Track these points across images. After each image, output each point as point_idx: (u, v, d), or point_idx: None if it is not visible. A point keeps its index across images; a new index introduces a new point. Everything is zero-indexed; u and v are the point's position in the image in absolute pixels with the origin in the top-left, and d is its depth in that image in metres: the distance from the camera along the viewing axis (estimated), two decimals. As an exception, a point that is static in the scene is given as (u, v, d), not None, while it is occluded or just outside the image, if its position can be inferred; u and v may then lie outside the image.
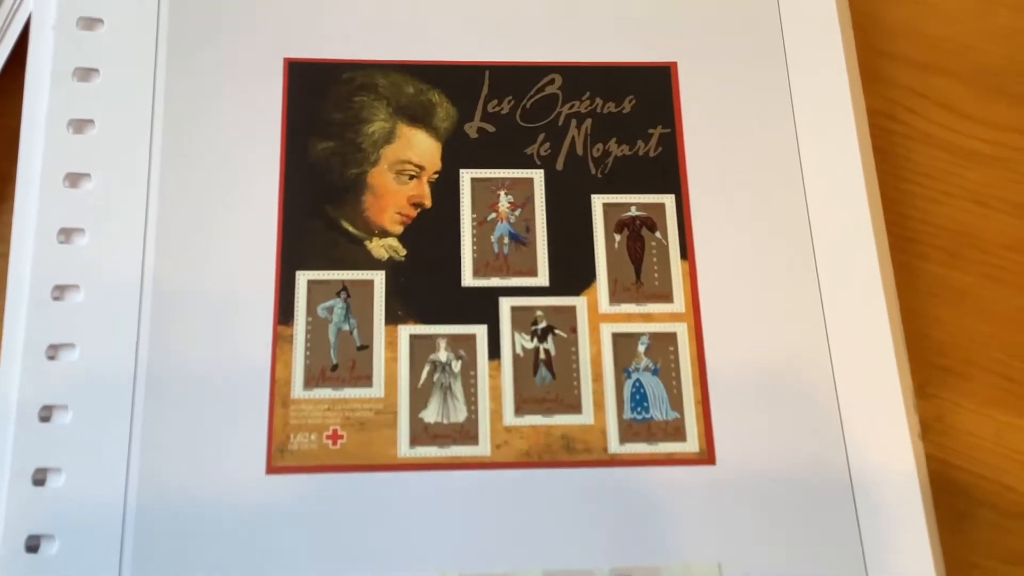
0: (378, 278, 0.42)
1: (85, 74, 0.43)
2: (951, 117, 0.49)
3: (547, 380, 0.41)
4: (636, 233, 0.44)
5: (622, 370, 0.42)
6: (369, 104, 0.44)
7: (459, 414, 0.40)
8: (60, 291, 0.40)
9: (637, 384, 0.41)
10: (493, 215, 0.43)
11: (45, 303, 0.39)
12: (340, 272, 0.42)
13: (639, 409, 0.41)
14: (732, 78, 0.46)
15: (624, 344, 0.42)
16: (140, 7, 0.44)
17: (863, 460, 0.41)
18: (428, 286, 0.42)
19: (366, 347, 0.41)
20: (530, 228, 0.43)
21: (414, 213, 0.43)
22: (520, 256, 0.43)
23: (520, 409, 0.41)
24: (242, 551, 0.38)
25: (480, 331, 0.42)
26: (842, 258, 0.44)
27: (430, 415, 0.40)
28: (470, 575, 0.38)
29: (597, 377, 0.41)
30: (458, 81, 0.45)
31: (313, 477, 0.39)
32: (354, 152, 0.44)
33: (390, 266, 0.42)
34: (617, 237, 0.44)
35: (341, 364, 0.41)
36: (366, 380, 0.41)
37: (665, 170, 0.44)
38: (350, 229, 0.42)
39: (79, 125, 0.42)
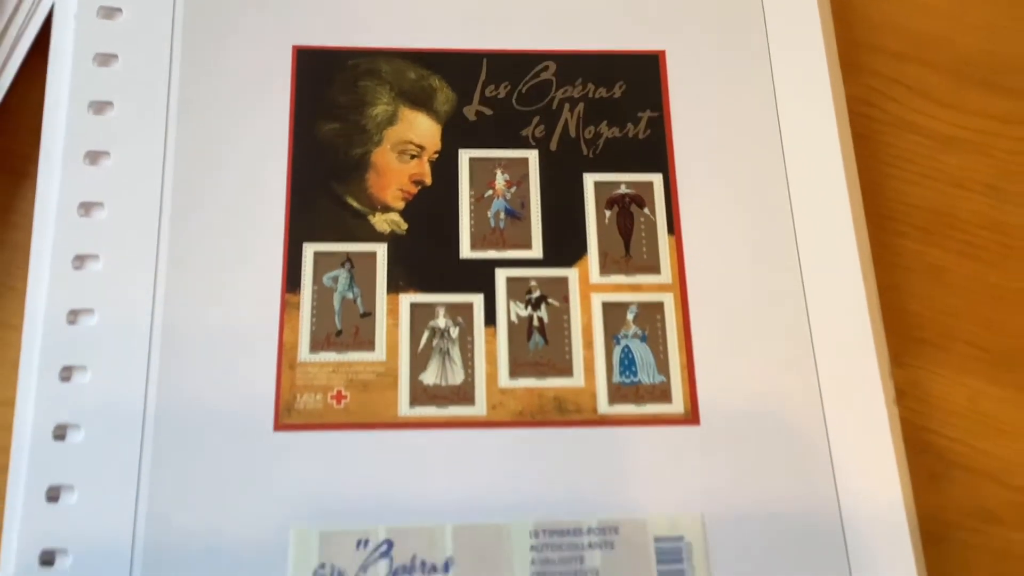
0: (381, 250, 0.44)
1: (105, 60, 0.46)
2: (928, 104, 0.51)
3: (540, 346, 0.44)
4: (626, 209, 0.46)
5: (612, 337, 0.44)
6: (373, 88, 0.47)
7: (456, 377, 0.43)
8: (80, 261, 0.42)
9: (626, 350, 0.44)
10: (490, 192, 0.46)
11: (65, 271, 0.42)
12: (345, 244, 0.44)
13: (627, 373, 0.43)
14: (717, 66, 0.49)
15: (613, 313, 0.44)
16: (157, -2, 0.47)
17: (839, 420, 0.43)
18: (428, 258, 0.44)
19: (369, 314, 0.43)
20: (525, 204, 0.46)
21: (415, 190, 0.46)
22: (515, 230, 0.45)
23: (514, 372, 0.43)
24: (251, 507, 0.40)
25: (477, 300, 0.44)
26: (821, 234, 0.46)
27: (429, 377, 0.43)
28: (466, 525, 0.40)
29: (588, 344, 0.44)
30: (457, 67, 0.47)
31: (318, 434, 0.41)
32: (359, 133, 0.46)
33: (392, 239, 0.45)
34: (608, 213, 0.46)
35: (345, 330, 0.43)
36: (369, 345, 0.43)
37: (653, 151, 0.47)
38: (354, 204, 0.45)
39: (99, 107, 0.45)
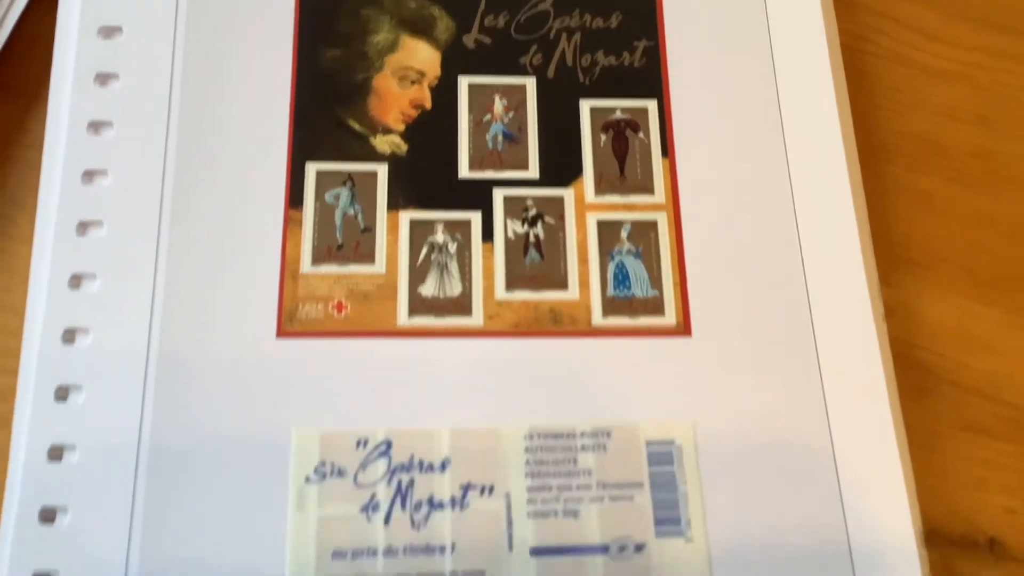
0: (381, 170, 0.46)
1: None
2: (920, 39, 0.53)
3: (536, 261, 0.45)
4: (621, 134, 0.47)
5: (606, 253, 0.45)
6: (375, 17, 0.48)
7: (454, 289, 0.44)
8: (89, 177, 0.44)
9: (620, 265, 0.45)
10: (488, 116, 0.47)
11: (74, 185, 0.43)
12: (346, 164, 0.46)
13: (621, 287, 0.45)
14: (712, -2, 0.50)
15: (608, 230, 0.46)
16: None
17: (829, 334, 0.44)
18: (427, 178, 0.46)
19: (369, 230, 0.45)
20: (522, 129, 0.47)
21: (415, 114, 0.47)
22: (513, 153, 0.47)
23: (511, 285, 0.44)
24: (253, 408, 0.41)
25: (475, 217, 0.45)
26: (813, 159, 0.47)
27: (427, 289, 0.44)
28: (462, 428, 0.41)
29: (583, 259, 0.45)
30: (457, -3, 0.49)
31: (319, 341, 0.43)
32: (360, 59, 0.48)
33: (392, 160, 0.46)
34: (603, 137, 0.47)
35: (346, 244, 0.44)
36: (369, 258, 0.44)
37: (648, 78, 0.48)
38: (356, 127, 0.46)
39: (108, 31, 0.46)
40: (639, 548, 0.40)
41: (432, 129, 0.47)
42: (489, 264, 0.45)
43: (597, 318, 0.44)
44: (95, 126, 0.45)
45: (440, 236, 0.45)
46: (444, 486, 0.41)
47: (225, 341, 0.42)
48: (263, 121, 0.46)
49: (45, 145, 0.44)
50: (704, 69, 0.48)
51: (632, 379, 0.43)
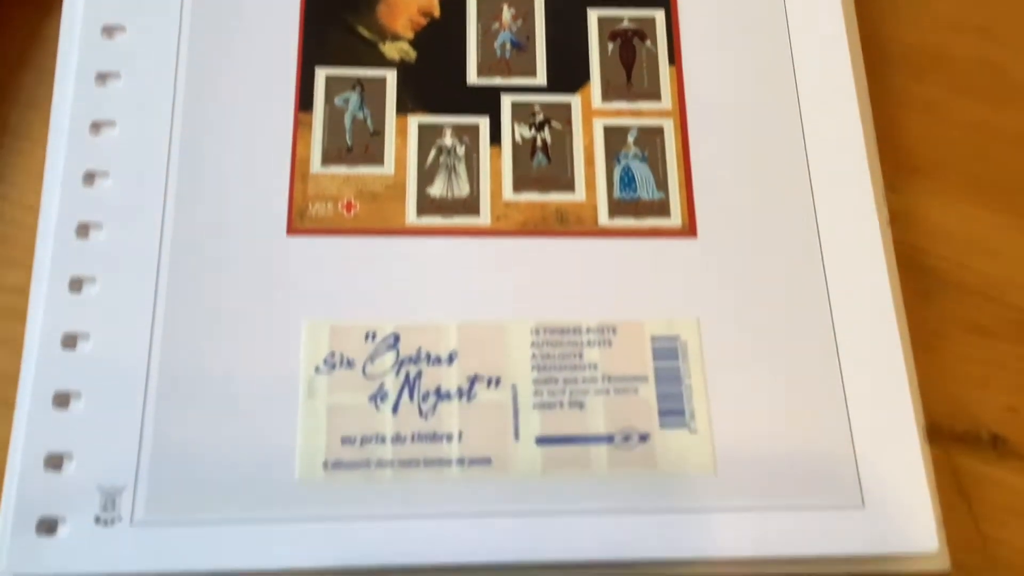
0: (390, 75, 0.46)
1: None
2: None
3: (543, 164, 0.45)
4: (628, 43, 0.48)
5: (612, 157, 0.46)
6: (384, -72, 0.49)
7: (462, 190, 0.45)
8: (97, 128, 0.44)
9: (626, 168, 0.46)
10: (496, 25, 0.48)
11: (81, 135, 0.44)
12: (355, 69, 0.46)
13: (627, 190, 0.45)
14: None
15: (614, 135, 0.46)
16: None
17: (834, 237, 0.44)
18: (436, 84, 0.46)
19: (378, 133, 0.45)
20: (530, 37, 0.47)
21: (424, 22, 0.47)
22: (520, 60, 0.47)
23: (518, 187, 0.45)
24: (264, 305, 0.42)
25: (483, 121, 0.46)
26: (818, 65, 0.48)
27: (436, 190, 0.45)
28: (470, 322, 0.42)
29: (589, 163, 0.46)
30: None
31: (329, 239, 0.43)
32: (370, -32, 0.48)
33: (401, 66, 0.46)
34: (610, 45, 0.48)
35: (355, 146, 0.45)
36: (378, 160, 0.45)
37: (656, -11, 0.49)
38: (365, 33, 0.47)
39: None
40: (643, 438, 0.41)
41: (440, 37, 0.47)
42: (497, 166, 0.45)
43: (603, 219, 0.44)
44: (108, 31, 0.45)
45: (448, 139, 0.45)
46: (451, 378, 0.41)
47: (236, 237, 0.43)
48: (274, 28, 0.46)
49: (59, 50, 0.45)
50: (712, -22, 0.49)
51: (638, 278, 0.43)
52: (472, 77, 0.47)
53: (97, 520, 0.38)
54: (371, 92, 0.46)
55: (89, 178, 0.43)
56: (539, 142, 0.46)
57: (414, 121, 0.46)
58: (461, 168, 0.45)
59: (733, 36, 0.48)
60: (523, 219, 0.44)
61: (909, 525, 0.40)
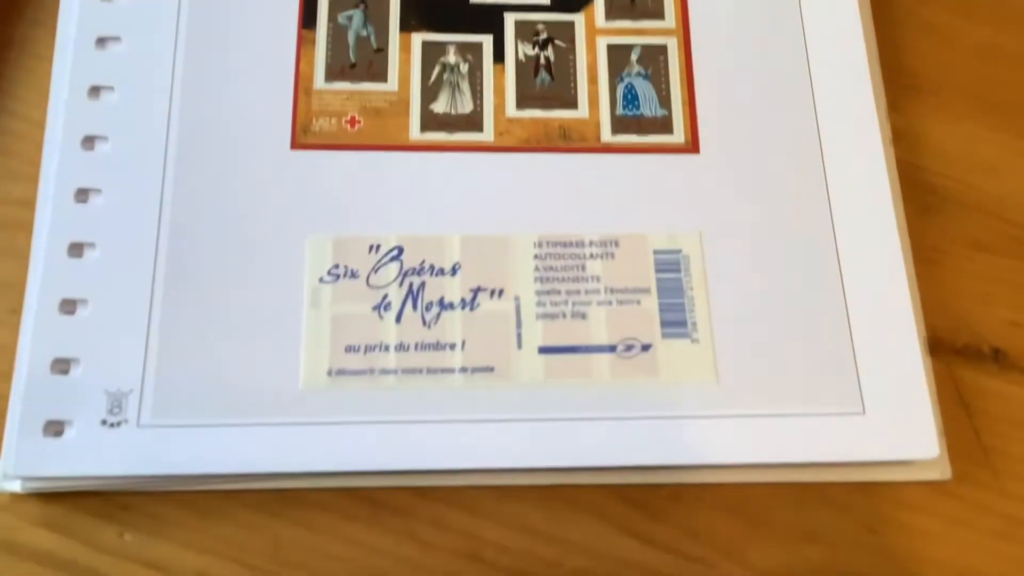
0: (394, -5, 0.46)
1: None
2: None
3: (546, 82, 0.45)
4: (632, -38, 0.48)
5: (615, 75, 0.46)
6: None
7: (466, 106, 0.45)
8: (103, 43, 0.45)
9: (629, 86, 0.46)
10: (500, -55, 0.48)
11: (88, 51, 0.44)
12: (359, -12, 0.46)
13: (630, 107, 0.45)
14: None
15: (618, 54, 0.46)
16: None
17: (837, 154, 0.45)
18: (439, 3, 0.46)
19: (382, 50, 0.45)
20: (533, -39, 0.47)
21: (427, -57, 0.47)
22: (524, -20, 0.47)
23: (521, 103, 0.45)
24: (269, 218, 0.42)
25: (487, 39, 0.46)
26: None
27: (439, 106, 0.45)
28: (472, 236, 0.42)
29: (592, 80, 0.46)
30: None
31: (333, 153, 0.43)
32: None
33: (405, -15, 0.46)
34: (615, -33, 0.48)
35: (359, 63, 0.45)
36: (382, 76, 0.45)
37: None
38: (369, -48, 0.47)
39: None
40: (646, 348, 0.41)
41: (444, -41, 0.47)
42: (500, 84, 0.45)
43: (606, 135, 0.45)
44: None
45: (452, 57, 0.45)
46: (455, 289, 0.42)
47: (242, 151, 0.43)
48: (277, -54, 0.46)
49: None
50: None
51: (640, 193, 0.44)
52: (476, -3, 0.46)
53: (103, 422, 0.38)
54: (375, 10, 0.46)
55: (94, 92, 0.43)
56: (542, 60, 0.46)
57: (418, 39, 0.46)
58: (464, 85, 0.45)
59: (737, -44, 0.47)
60: (526, 135, 0.44)
61: (910, 432, 0.40)
